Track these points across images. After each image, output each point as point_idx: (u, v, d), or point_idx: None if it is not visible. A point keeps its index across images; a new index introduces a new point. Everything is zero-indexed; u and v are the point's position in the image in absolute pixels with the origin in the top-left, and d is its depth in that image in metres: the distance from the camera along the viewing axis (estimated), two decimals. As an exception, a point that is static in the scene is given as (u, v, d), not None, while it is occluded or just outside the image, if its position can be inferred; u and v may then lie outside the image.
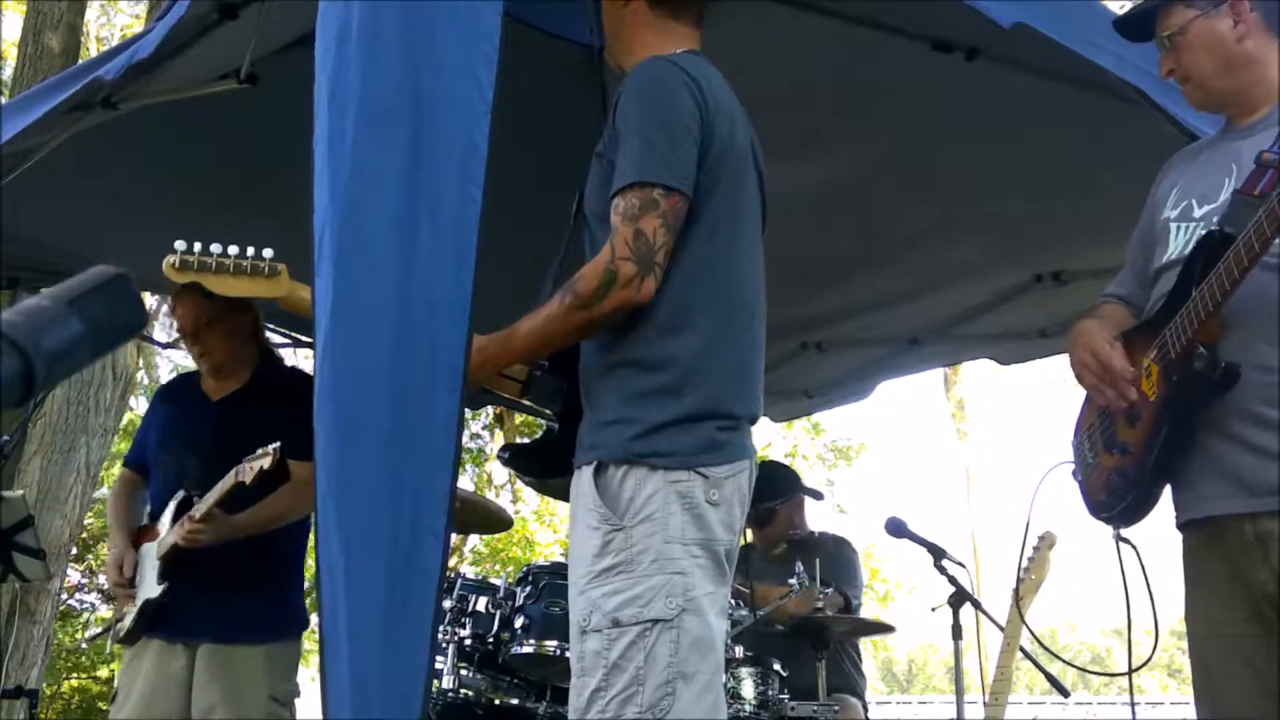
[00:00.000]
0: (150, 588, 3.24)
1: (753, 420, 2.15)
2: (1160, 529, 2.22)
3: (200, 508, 3.11)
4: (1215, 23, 2.16)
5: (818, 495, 4.73)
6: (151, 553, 3.29)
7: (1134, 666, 2.40)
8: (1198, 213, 2.17)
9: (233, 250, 2.16)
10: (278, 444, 2.98)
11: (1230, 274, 1.91)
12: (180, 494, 3.25)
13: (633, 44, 2.26)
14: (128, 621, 3.29)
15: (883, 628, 4.45)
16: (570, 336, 2.10)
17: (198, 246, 2.14)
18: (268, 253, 2.18)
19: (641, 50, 2.22)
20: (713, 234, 2.09)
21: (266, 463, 2.99)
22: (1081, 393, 2.32)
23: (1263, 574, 2.00)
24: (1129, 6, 2.38)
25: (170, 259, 2.13)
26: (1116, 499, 2.16)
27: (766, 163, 2.28)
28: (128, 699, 3.25)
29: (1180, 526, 2.16)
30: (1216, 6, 2.16)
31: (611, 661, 1.95)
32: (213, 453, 3.25)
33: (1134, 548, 2.24)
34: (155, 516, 3.35)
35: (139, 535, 3.39)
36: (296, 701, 3.36)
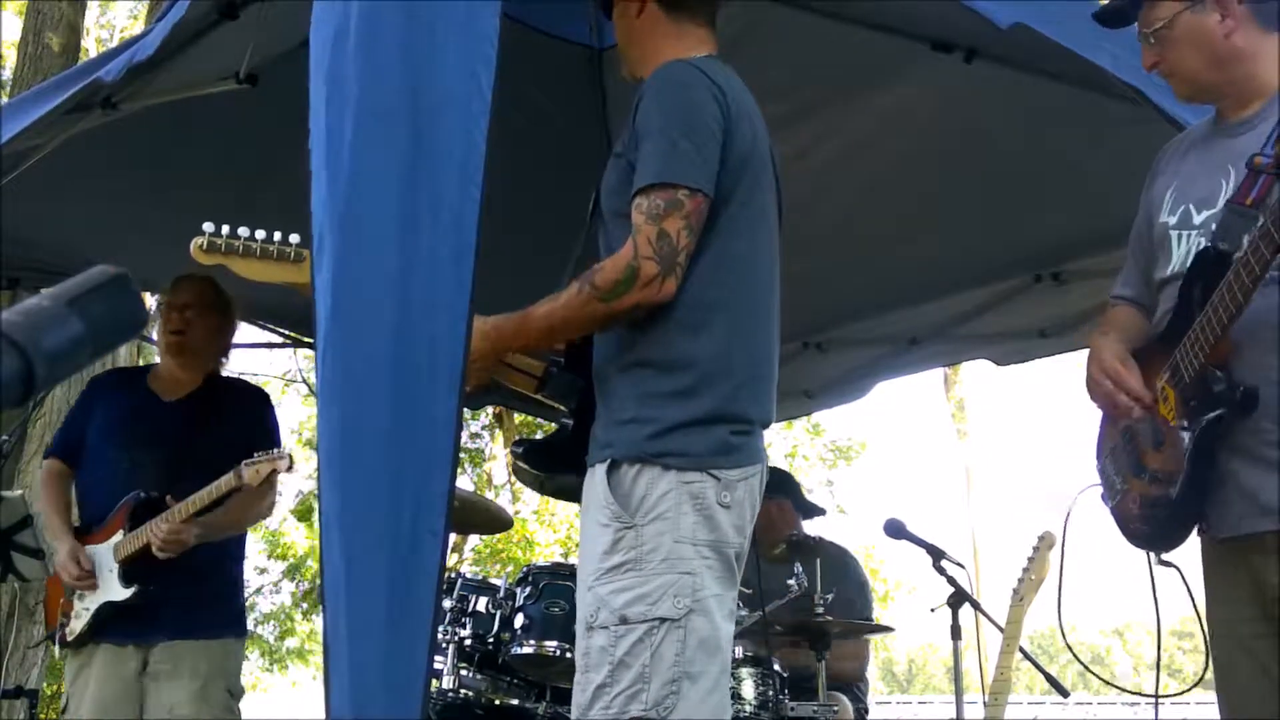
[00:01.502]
0: (112, 590, 3.18)
1: (765, 424, 2.15)
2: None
3: (183, 509, 3.08)
4: (1202, 17, 2.12)
5: (819, 511, 4.71)
6: (104, 554, 3.22)
7: (1171, 693, 2.35)
8: (1197, 219, 2.14)
9: (260, 234, 2.15)
10: (288, 453, 3.01)
11: (1234, 297, 1.89)
12: (139, 495, 3.20)
13: (649, 51, 2.26)
14: (79, 625, 3.22)
15: (881, 628, 4.44)
16: (585, 327, 2.11)
17: (225, 229, 2.13)
18: (294, 238, 2.17)
19: (658, 57, 2.22)
20: (733, 235, 2.10)
21: (282, 465, 3.00)
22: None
23: (1277, 579, 2.00)
24: None
25: (198, 240, 2.13)
26: (1155, 526, 2.14)
27: (781, 166, 2.29)
28: (80, 706, 3.20)
29: (1200, 534, 2.16)
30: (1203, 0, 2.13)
31: (618, 658, 1.95)
32: (174, 454, 3.25)
33: (1179, 570, 2.20)
34: (98, 516, 3.29)
35: (78, 536, 3.31)
36: (288, 701, 3.37)
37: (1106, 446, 2.29)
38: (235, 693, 3.29)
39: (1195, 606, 2.22)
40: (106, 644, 3.22)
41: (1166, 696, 2.33)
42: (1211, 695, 2.16)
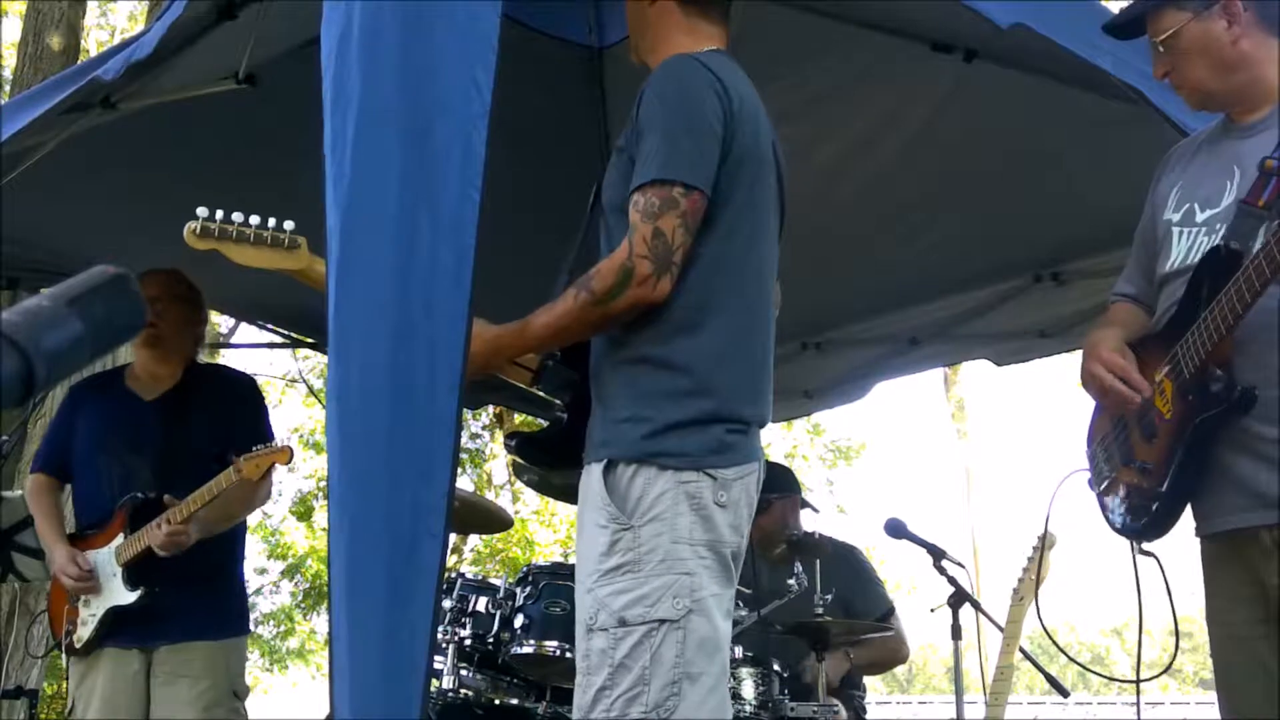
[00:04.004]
0: (118, 594, 3.16)
1: (762, 423, 2.15)
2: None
3: (183, 509, 3.06)
4: (1209, 25, 2.14)
5: (813, 509, 4.72)
6: (105, 558, 3.20)
7: (1152, 675, 2.40)
8: (1200, 217, 2.16)
9: (254, 220, 2.15)
10: (287, 444, 3.00)
11: (1241, 298, 1.90)
12: (136, 496, 3.18)
13: (659, 42, 2.26)
14: (86, 631, 3.21)
15: (881, 629, 4.43)
16: (584, 331, 2.11)
17: (219, 214, 2.13)
18: (289, 225, 2.17)
19: (667, 48, 2.22)
20: (731, 235, 2.09)
21: (282, 459, 2.99)
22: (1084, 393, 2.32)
23: (1278, 579, 2.00)
24: (1123, 7, 2.37)
25: (192, 225, 2.12)
26: (1139, 517, 2.15)
27: (786, 164, 2.29)
28: (87, 709, 3.19)
29: (1199, 536, 2.16)
30: (1209, 8, 2.14)
31: (617, 660, 1.96)
32: (161, 453, 3.23)
33: (1158, 560, 2.23)
34: (95, 522, 3.27)
35: (75, 542, 3.29)
36: (288, 701, 3.36)
37: (1098, 434, 2.31)
38: (240, 693, 3.28)
39: (1171, 601, 2.24)
40: (110, 648, 3.21)
41: (1146, 680, 2.37)
42: (1212, 695, 2.17)
